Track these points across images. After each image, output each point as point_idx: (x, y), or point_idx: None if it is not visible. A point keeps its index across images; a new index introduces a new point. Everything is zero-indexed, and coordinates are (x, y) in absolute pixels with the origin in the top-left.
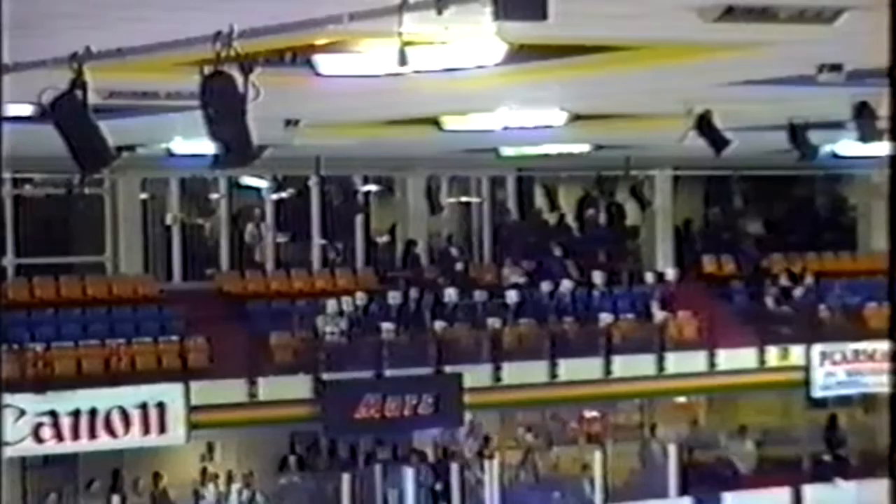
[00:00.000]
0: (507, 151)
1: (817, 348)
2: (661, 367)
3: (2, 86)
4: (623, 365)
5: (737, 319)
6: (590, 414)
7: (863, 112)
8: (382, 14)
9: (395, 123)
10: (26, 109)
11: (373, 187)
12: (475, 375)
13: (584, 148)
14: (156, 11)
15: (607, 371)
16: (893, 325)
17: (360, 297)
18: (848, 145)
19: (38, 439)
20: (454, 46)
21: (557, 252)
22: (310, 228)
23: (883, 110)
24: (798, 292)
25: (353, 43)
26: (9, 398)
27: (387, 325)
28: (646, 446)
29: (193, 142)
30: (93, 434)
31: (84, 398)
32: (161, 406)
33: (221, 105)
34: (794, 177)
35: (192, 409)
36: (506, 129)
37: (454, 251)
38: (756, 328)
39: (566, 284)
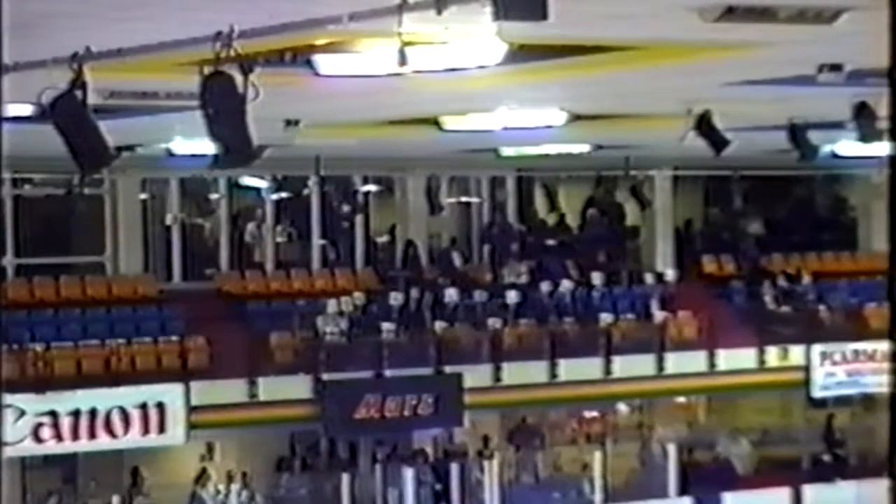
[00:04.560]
0: (507, 151)
1: (817, 348)
2: (660, 368)
3: (2, 86)
4: (623, 365)
5: (737, 319)
6: (590, 414)
7: (863, 112)
8: (382, 14)
9: (395, 123)
10: (26, 109)
11: (373, 187)
12: (475, 375)
13: (584, 148)
14: (156, 11)
15: (607, 371)
16: (893, 325)
17: (360, 297)
18: (848, 145)
19: (38, 439)
20: (454, 46)
21: (557, 251)
22: (310, 228)
23: (883, 110)
24: (797, 292)
25: (353, 43)
26: (9, 398)
27: (387, 325)
28: (645, 446)
29: (193, 142)
30: (93, 434)
31: (84, 398)
32: (161, 406)
33: (221, 105)
34: (794, 177)
35: (191, 409)
36: (506, 129)
37: (455, 253)
38: (756, 328)
39: (566, 284)
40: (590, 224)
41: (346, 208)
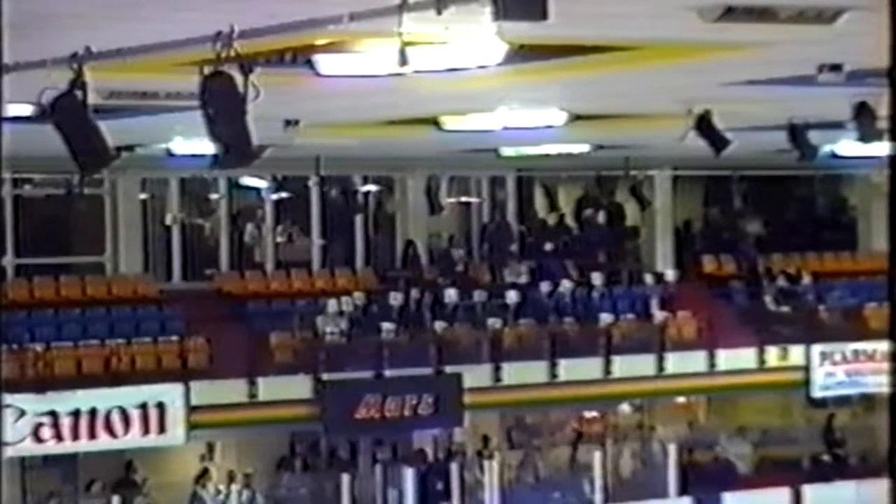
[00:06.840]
0: (507, 151)
1: (817, 348)
2: (660, 368)
3: (2, 86)
4: (623, 365)
5: (736, 319)
6: (590, 414)
7: (863, 112)
8: (382, 14)
9: (395, 123)
10: (26, 109)
11: (373, 187)
12: (475, 375)
13: (584, 148)
14: (156, 11)
15: (607, 371)
16: (893, 325)
17: (360, 297)
18: (848, 145)
19: (38, 439)
20: (454, 46)
21: (556, 252)
22: (310, 228)
23: (883, 110)
24: (797, 292)
25: (353, 43)
26: (9, 398)
27: (387, 325)
28: (645, 446)
29: (193, 142)
30: (93, 434)
31: (84, 398)
32: (161, 406)
33: (221, 105)
34: (794, 177)
35: (191, 409)
36: (506, 129)
37: (455, 252)
38: (756, 328)
39: (566, 284)
40: (586, 223)
41: (345, 209)
